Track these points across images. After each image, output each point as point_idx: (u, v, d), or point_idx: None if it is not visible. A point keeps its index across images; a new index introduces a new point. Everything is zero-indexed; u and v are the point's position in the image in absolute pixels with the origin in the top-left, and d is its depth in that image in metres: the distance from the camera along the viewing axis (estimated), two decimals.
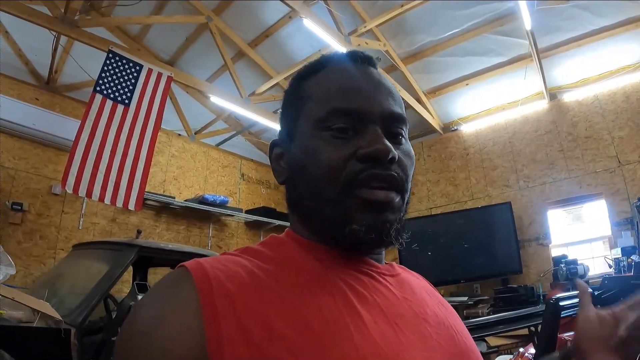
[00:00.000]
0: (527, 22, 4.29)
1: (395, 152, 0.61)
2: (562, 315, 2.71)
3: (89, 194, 3.89)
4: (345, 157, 0.60)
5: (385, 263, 0.71)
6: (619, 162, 5.10)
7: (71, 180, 3.81)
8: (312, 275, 0.58)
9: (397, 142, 0.64)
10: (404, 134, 0.67)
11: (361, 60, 0.69)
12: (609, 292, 2.67)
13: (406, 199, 0.65)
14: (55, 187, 4.74)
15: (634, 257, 3.85)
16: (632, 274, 3.46)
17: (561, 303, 2.48)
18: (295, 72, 0.75)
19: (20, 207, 4.46)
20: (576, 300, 2.54)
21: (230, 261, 0.55)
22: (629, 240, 4.66)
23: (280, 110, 0.75)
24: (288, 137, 0.69)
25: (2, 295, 1.90)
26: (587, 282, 3.66)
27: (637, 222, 4.71)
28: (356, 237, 0.58)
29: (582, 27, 4.93)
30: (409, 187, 0.65)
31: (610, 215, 5.04)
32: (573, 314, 2.80)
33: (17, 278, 4.08)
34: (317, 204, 0.62)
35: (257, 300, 0.50)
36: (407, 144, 0.67)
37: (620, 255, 4.40)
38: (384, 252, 0.71)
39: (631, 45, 5.00)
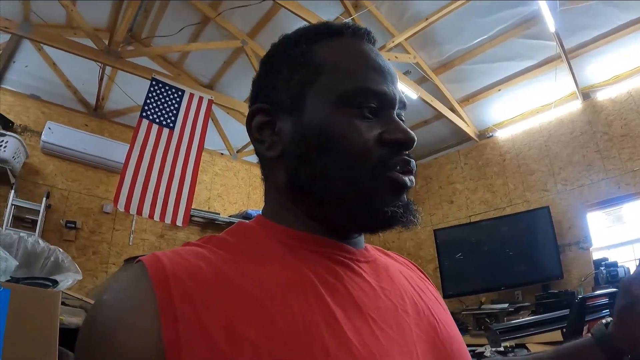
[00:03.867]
0: (551, 24, 4.33)
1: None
2: (589, 317, 2.75)
3: (139, 211, 4.18)
4: (376, 139, 0.60)
5: (364, 247, 0.69)
6: None
7: (122, 199, 4.10)
8: (280, 268, 0.54)
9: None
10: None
11: (367, 36, 0.68)
12: None
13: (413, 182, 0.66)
14: (106, 206, 5.10)
15: None
16: None
17: (588, 303, 2.53)
18: (297, 31, 0.70)
19: (73, 225, 4.83)
20: (604, 300, 2.58)
21: (192, 253, 0.52)
22: None
23: (265, 69, 0.70)
24: (291, 106, 0.63)
25: (78, 298, 2.14)
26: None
27: None
28: (381, 217, 0.59)
29: (609, 23, 4.87)
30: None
31: None
32: (606, 315, 2.83)
33: (72, 291, 4.39)
34: (342, 183, 0.59)
35: (219, 299, 0.47)
36: None
37: None
38: (363, 234, 0.69)
39: None
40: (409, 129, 0.62)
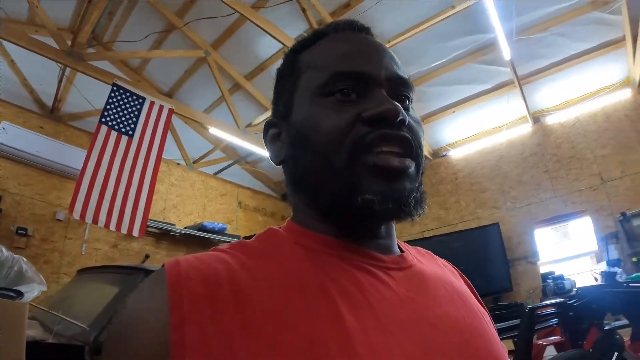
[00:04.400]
0: (507, 53, 4.57)
1: (405, 114, 0.56)
2: (538, 326, 2.90)
3: (95, 220, 4.05)
4: (350, 121, 0.55)
5: (401, 250, 0.65)
6: (602, 179, 5.32)
7: (78, 207, 3.96)
8: (296, 275, 0.52)
9: (405, 108, 0.59)
10: (410, 99, 0.63)
11: (359, 28, 0.66)
12: (580, 300, 2.86)
13: (421, 168, 0.60)
14: (59, 213, 4.90)
15: (607, 268, 4.04)
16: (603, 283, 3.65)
17: (537, 312, 2.67)
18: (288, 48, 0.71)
19: (25, 232, 4.62)
20: (552, 309, 2.74)
21: (213, 258, 0.52)
22: (613, 253, 4.86)
23: (274, 88, 0.71)
24: (285, 113, 0.64)
25: (53, 313, 2.06)
26: (571, 294, 3.83)
27: (621, 236, 4.93)
28: (370, 208, 0.53)
29: (562, 53, 5.23)
30: (423, 155, 0.60)
31: (595, 231, 5.23)
32: (554, 324, 3.00)
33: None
34: (322, 175, 0.56)
35: (227, 305, 0.46)
36: (414, 113, 0.62)
37: (607, 269, 4.58)
38: (394, 238, 0.65)
39: (609, 66, 5.28)
40: (393, 101, 0.55)
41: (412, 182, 0.56)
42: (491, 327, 0.62)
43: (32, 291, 1.69)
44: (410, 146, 0.56)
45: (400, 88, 0.61)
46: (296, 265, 0.54)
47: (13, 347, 1.44)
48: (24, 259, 1.76)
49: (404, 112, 0.55)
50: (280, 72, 0.69)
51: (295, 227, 0.62)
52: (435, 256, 0.73)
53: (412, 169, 0.56)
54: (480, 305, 0.66)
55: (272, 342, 0.44)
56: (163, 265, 0.51)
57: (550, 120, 5.88)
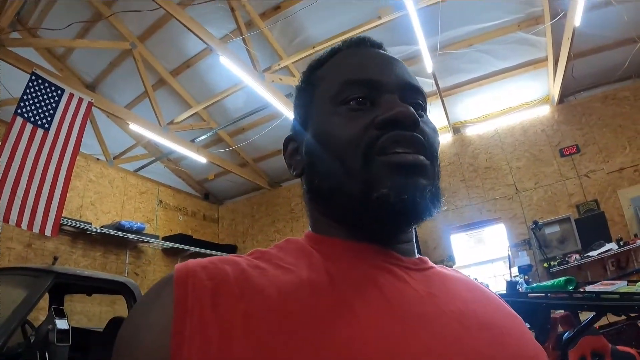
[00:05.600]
0: (429, 66, 4.75)
1: (418, 117, 0.57)
2: None
3: (5, 218, 3.86)
4: (364, 126, 0.56)
5: (418, 257, 0.63)
6: (517, 189, 5.66)
7: None
8: (308, 273, 0.52)
9: (419, 116, 0.58)
10: (423, 107, 0.63)
11: (371, 44, 0.68)
12: None
13: (437, 168, 0.60)
14: None
15: (511, 277, 4.30)
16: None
17: None
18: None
19: None
20: None
21: (225, 260, 0.52)
22: (525, 259, 5.18)
23: (294, 104, 0.73)
24: (303, 127, 0.66)
25: None
26: None
27: (533, 242, 5.28)
28: (386, 203, 0.52)
29: (484, 69, 5.49)
30: (438, 157, 0.61)
31: (509, 237, 5.56)
32: None
33: None
34: (338, 178, 0.57)
35: (232, 295, 0.46)
36: (429, 120, 0.62)
37: (518, 274, 4.87)
38: (414, 244, 0.64)
39: (530, 84, 5.61)
40: (404, 105, 0.57)
41: (427, 179, 0.55)
42: (523, 329, 0.59)
43: None
44: (424, 146, 0.56)
45: (412, 95, 0.61)
46: (309, 266, 0.53)
47: None
48: None
49: (416, 114, 0.56)
50: (298, 89, 0.71)
51: (312, 235, 0.62)
52: (452, 269, 0.70)
53: (428, 165, 0.56)
54: (510, 309, 0.63)
55: (277, 331, 0.43)
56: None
57: (470, 131, 6.17)
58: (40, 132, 4.18)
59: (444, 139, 6.25)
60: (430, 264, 0.62)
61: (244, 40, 4.73)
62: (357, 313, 0.46)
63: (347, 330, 0.44)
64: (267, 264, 0.52)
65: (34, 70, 4.23)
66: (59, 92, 4.37)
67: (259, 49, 5.12)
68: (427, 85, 5.54)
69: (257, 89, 4.90)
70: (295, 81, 5.51)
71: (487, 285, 0.76)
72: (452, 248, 5.92)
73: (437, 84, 5.28)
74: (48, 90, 4.29)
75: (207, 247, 6.97)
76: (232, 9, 4.61)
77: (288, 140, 0.70)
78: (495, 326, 0.53)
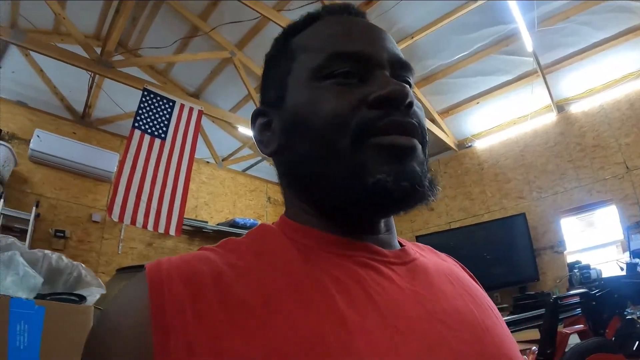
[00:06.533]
0: (529, 43, 4.60)
1: (413, 96, 0.53)
2: (562, 315, 2.99)
3: (133, 221, 4.22)
4: (354, 104, 0.51)
5: (401, 245, 0.61)
6: (627, 167, 5.30)
7: (116, 209, 4.14)
8: (289, 271, 0.49)
9: None
10: (411, 84, 0.60)
11: (355, 12, 0.63)
12: (602, 291, 2.94)
13: (426, 152, 0.57)
14: (95, 215, 5.11)
15: (630, 259, 4.07)
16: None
17: (561, 302, 2.77)
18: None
19: (63, 234, 4.85)
20: (576, 299, 2.84)
21: (198, 258, 0.48)
22: (637, 243, 4.80)
23: (263, 75, 0.67)
24: (277, 100, 0.60)
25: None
26: (595, 284, 3.89)
27: None
28: (384, 189, 0.49)
29: (584, 41, 5.20)
30: (427, 140, 0.57)
31: (621, 220, 5.23)
32: (578, 314, 3.08)
33: None
34: (323, 161, 0.52)
35: (212, 306, 0.43)
36: (414, 99, 0.57)
37: (631, 259, 4.58)
38: (394, 232, 0.61)
39: (632, 53, 5.24)
40: (398, 82, 0.53)
41: (419, 164, 0.52)
42: (501, 322, 0.58)
43: (93, 294, 1.82)
44: (418, 131, 0.53)
45: (402, 71, 0.58)
46: (289, 262, 0.50)
47: (79, 349, 1.56)
48: (82, 264, 1.89)
49: (411, 94, 0.53)
50: (270, 57, 0.65)
51: (288, 223, 0.58)
52: (435, 250, 0.69)
53: (420, 150, 0.53)
54: (488, 299, 0.62)
55: (265, 342, 0.41)
56: (145, 268, 0.47)
57: (574, 109, 5.86)
58: (157, 141, 4.51)
59: (549, 119, 6.01)
60: (412, 253, 0.59)
61: None
62: (345, 318, 0.44)
63: (337, 342, 0.42)
64: (242, 259, 0.49)
65: (145, 86, 4.58)
66: (171, 103, 4.69)
67: None
68: (527, 63, 5.35)
69: None
70: None
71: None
72: (562, 233, 5.66)
73: (537, 62, 5.07)
74: (160, 103, 4.62)
75: None
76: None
77: (257, 114, 0.64)
78: (478, 324, 0.52)
